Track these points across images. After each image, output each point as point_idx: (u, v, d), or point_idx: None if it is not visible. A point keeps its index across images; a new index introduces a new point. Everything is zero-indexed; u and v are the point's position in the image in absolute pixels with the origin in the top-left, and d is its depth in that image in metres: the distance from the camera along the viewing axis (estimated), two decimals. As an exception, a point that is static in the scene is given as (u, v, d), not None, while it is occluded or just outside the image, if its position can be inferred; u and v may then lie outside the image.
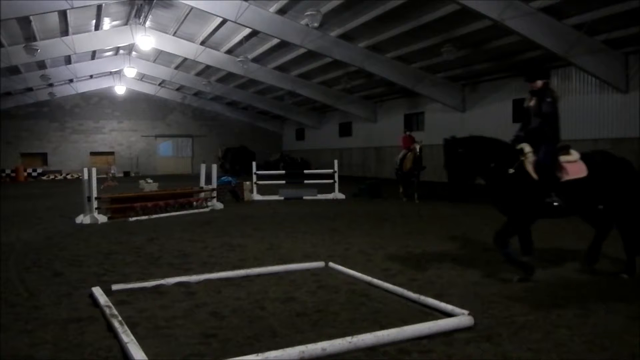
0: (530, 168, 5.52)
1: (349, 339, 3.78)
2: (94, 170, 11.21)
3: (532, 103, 5.88)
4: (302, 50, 20.71)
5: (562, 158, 5.61)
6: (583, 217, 6.17)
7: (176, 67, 29.34)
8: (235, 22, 17.89)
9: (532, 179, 5.49)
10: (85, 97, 36.05)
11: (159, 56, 27.68)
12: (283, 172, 19.35)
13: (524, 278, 5.60)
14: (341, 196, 16.24)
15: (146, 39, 21.66)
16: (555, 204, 5.43)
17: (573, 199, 5.55)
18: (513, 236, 5.78)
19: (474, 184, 5.78)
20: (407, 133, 16.30)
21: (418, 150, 14.59)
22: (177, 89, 36.04)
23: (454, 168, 5.63)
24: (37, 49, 19.84)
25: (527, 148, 5.65)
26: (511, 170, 5.53)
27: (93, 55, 27.58)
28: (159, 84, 35.56)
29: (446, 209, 12.83)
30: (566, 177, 5.51)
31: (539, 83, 5.80)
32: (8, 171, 32.28)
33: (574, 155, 5.71)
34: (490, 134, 20.40)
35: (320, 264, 6.48)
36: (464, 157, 5.57)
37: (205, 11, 17.83)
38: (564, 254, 7.19)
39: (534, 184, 5.48)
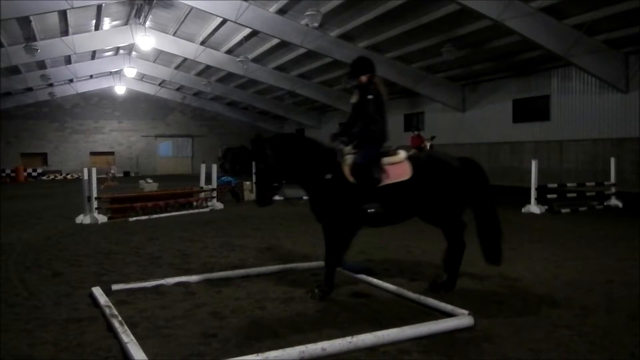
0: (347, 171, 4.92)
1: (349, 339, 3.77)
2: (94, 170, 11.20)
3: (355, 100, 5.33)
4: (302, 50, 20.71)
5: (386, 160, 5.03)
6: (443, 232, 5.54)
7: (176, 67, 29.34)
8: (235, 22, 17.89)
9: (349, 184, 4.88)
10: (85, 97, 36.05)
11: (159, 56, 27.69)
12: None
13: (322, 293, 5.01)
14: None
15: (146, 39, 21.66)
16: (370, 210, 4.90)
17: (394, 204, 5.01)
18: (344, 249, 5.25)
19: (281, 188, 5.06)
20: (416, 133, 15.85)
21: (429, 148, 14.13)
22: (177, 89, 36.04)
23: (261, 170, 4.88)
24: (37, 49, 19.84)
25: (346, 149, 5.06)
26: (328, 176, 4.90)
27: (93, 55, 27.58)
28: (159, 84, 35.56)
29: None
30: (387, 181, 4.92)
31: (363, 78, 5.23)
32: (8, 171, 32.27)
33: (400, 155, 5.12)
34: (490, 134, 20.49)
35: (320, 263, 6.46)
36: (272, 158, 4.82)
37: (205, 11, 17.84)
38: (564, 254, 7.20)
39: (350, 189, 4.87)
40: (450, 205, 5.24)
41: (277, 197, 5.31)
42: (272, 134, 5.13)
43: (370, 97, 5.10)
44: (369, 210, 4.89)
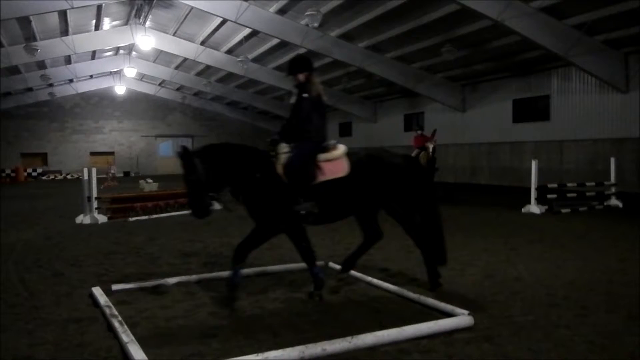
0: (280, 170, 4.83)
1: (349, 339, 3.78)
2: (94, 170, 11.21)
3: (294, 99, 5.28)
4: (302, 50, 20.70)
5: (322, 156, 4.92)
6: (358, 222, 5.47)
7: (176, 67, 29.33)
8: (235, 22, 17.88)
9: (281, 183, 4.81)
10: (85, 97, 36.04)
11: (159, 56, 27.68)
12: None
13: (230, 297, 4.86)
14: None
15: (146, 39, 21.65)
16: (302, 210, 4.77)
17: (329, 202, 4.89)
18: (257, 246, 5.10)
19: (217, 197, 4.97)
20: (419, 132, 15.50)
21: (431, 149, 13.93)
22: (177, 89, 36.02)
23: (192, 182, 4.72)
24: (37, 49, 19.82)
25: (281, 148, 4.96)
26: (258, 174, 4.84)
27: (93, 55, 27.57)
28: (159, 84, 35.55)
29: (449, 209, 12.83)
30: (322, 178, 4.83)
31: (301, 76, 5.09)
32: (8, 171, 32.26)
33: (337, 152, 5.00)
34: (490, 134, 20.48)
35: (320, 263, 6.47)
36: (201, 169, 4.71)
37: (205, 11, 17.83)
38: (564, 254, 7.20)
39: (284, 187, 4.79)
40: (391, 202, 5.19)
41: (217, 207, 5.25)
42: (202, 146, 5.03)
43: (305, 95, 5.01)
44: (301, 211, 4.78)
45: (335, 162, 4.92)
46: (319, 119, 5.01)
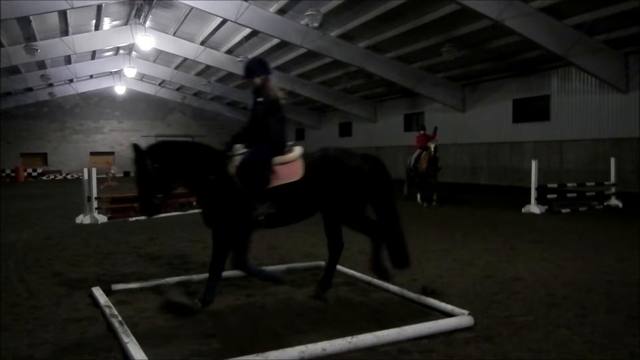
0: (234, 173, 4.69)
1: (349, 339, 3.77)
2: (94, 170, 11.21)
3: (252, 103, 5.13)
4: (302, 50, 20.71)
5: (277, 159, 4.79)
6: (325, 229, 5.30)
7: (176, 67, 29.35)
8: (235, 22, 17.89)
9: (236, 186, 4.66)
10: (85, 97, 36.05)
11: (159, 56, 27.69)
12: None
13: (202, 303, 4.73)
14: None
15: (146, 39, 21.66)
16: (257, 214, 4.66)
17: (284, 205, 4.76)
18: (245, 251, 4.98)
19: (168, 196, 4.94)
20: (422, 132, 15.15)
21: (433, 149, 13.69)
22: (177, 89, 36.04)
23: (142, 180, 4.64)
24: (37, 49, 19.84)
25: (236, 151, 4.84)
26: (212, 177, 4.69)
27: (93, 55, 27.58)
28: (159, 84, 35.56)
29: (449, 209, 12.84)
30: (276, 182, 4.71)
31: (257, 80, 4.96)
32: (8, 171, 32.28)
33: (292, 154, 4.88)
34: (490, 134, 20.44)
35: (320, 263, 6.48)
36: (152, 168, 4.60)
37: (205, 11, 17.84)
38: (564, 254, 7.20)
39: (238, 191, 4.65)
40: (346, 205, 4.93)
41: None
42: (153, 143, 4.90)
43: (260, 99, 4.89)
44: (255, 214, 4.66)
45: (289, 165, 4.80)
46: (276, 123, 4.88)
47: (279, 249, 7.87)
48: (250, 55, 22.46)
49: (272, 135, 4.83)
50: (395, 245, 5.11)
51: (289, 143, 5.03)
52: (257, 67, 5.06)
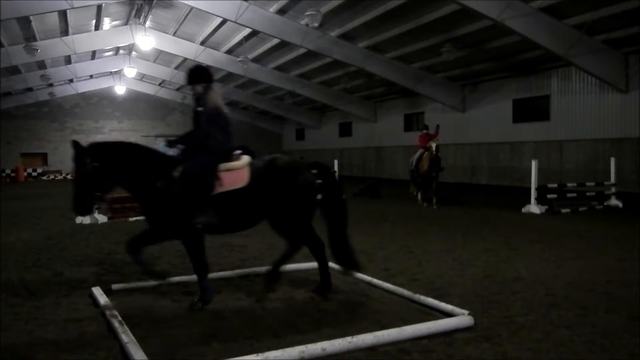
0: (177, 179, 4.67)
1: (349, 339, 3.78)
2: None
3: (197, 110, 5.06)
4: (302, 50, 20.71)
5: (223, 166, 4.76)
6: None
7: (176, 67, 29.33)
8: (235, 22, 17.88)
9: (180, 193, 4.63)
10: (85, 97, 36.04)
11: (159, 56, 27.68)
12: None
13: (202, 303, 4.81)
14: (341, 196, 16.20)
15: (146, 39, 21.65)
16: (198, 222, 4.63)
17: (228, 213, 4.74)
18: (149, 244, 4.98)
19: (104, 198, 4.90)
20: (424, 131, 14.89)
21: (434, 149, 13.44)
22: (177, 89, 36.01)
23: (79, 178, 4.57)
24: (37, 49, 19.84)
25: (180, 158, 4.82)
26: (159, 184, 4.63)
27: (93, 55, 27.57)
28: (159, 84, 35.54)
29: (450, 209, 12.83)
30: (220, 189, 4.68)
31: (199, 88, 4.92)
32: (8, 171, 32.26)
33: (239, 162, 4.86)
34: (490, 134, 20.41)
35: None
36: (91, 166, 4.54)
37: (205, 11, 17.83)
38: (564, 254, 7.20)
39: (181, 198, 4.63)
40: (291, 213, 4.95)
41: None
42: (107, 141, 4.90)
43: (200, 109, 4.87)
44: (197, 222, 4.63)
45: (235, 173, 4.77)
46: (219, 132, 4.80)
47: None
48: (251, 56, 22.51)
49: (215, 145, 4.76)
50: (343, 249, 5.18)
51: (237, 152, 4.99)
52: (199, 75, 4.99)
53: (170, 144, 4.99)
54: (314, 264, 6.45)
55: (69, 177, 33.97)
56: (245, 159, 4.93)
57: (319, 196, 5.08)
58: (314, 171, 5.16)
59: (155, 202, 4.69)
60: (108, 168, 4.62)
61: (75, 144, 4.60)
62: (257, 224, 5.10)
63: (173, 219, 4.71)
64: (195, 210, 4.64)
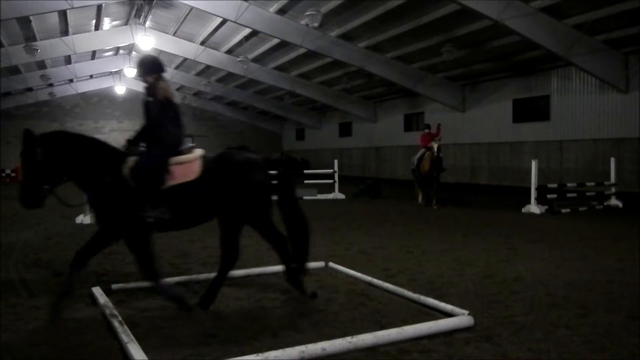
0: (127, 174, 4.57)
1: (349, 339, 3.78)
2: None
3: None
4: (302, 50, 20.70)
5: (175, 160, 4.67)
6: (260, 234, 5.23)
7: (176, 67, 29.33)
8: (235, 22, 17.88)
9: (130, 187, 4.53)
10: (85, 97, 36.04)
11: (159, 56, 27.53)
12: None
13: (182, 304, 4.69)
14: (341, 196, 16.24)
15: (146, 39, 21.64)
16: (149, 216, 4.51)
17: (180, 207, 4.64)
18: (98, 252, 4.89)
19: (52, 190, 4.69)
20: (426, 131, 14.76)
21: (436, 149, 13.34)
22: (177, 89, 36.01)
23: (27, 169, 4.49)
24: (37, 49, 19.83)
25: (131, 151, 4.74)
26: (107, 178, 4.55)
27: (93, 55, 27.56)
28: (159, 84, 35.53)
29: (450, 209, 12.82)
30: (171, 182, 4.58)
31: (149, 79, 4.88)
32: (8, 171, 32.26)
33: (191, 155, 4.77)
34: (490, 134, 20.41)
35: (320, 264, 6.48)
36: (41, 157, 4.42)
37: (205, 11, 17.83)
38: (564, 254, 7.20)
39: (131, 192, 4.52)
40: (237, 210, 4.79)
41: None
42: (46, 132, 4.62)
43: (150, 99, 4.81)
44: (148, 216, 4.51)
45: (186, 166, 4.66)
46: (169, 123, 4.72)
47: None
48: (251, 56, 22.51)
49: (165, 135, 4.69)
50: (300, 247, 5.01)
51: (190, 144, 4.93)
52: (149, 65, 4.94)
53: (131, 143, 4.83)
54: (314, 264, 6.47)
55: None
56: (198, 151, 4.84)
57: (274, 197, 4.94)
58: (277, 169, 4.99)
59: (103, 196, 4.57)
60: (57, 159, 4.50)
61: (27, 133, 4.46)
62: (210, 220, 4.94)
63: (121, 213, 4.58)
64: (146, 204, 4.51)
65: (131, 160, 4.63)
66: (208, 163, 4.76)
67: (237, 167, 4.79)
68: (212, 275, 5.03)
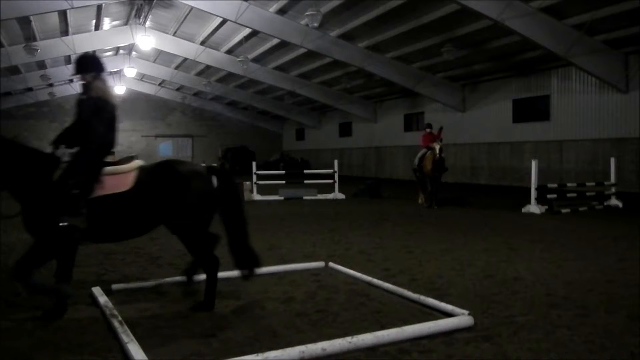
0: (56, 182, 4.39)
1: (349, 339, 3.77)
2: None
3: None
4: (302, 50, 20.73)
5: (109, 169, 4.51)
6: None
7: (176, 67, 29.36)
8: (235, 22, 17.90)
9: (55, 194, 4.32)
10: (86, 97, 36.09)
11: (159, 56, 27.69)
12: (283, 172, 19.31)
13: (49, 315, 4.46)
14: (341, 196, 16.24)
15: (146, 39, 21.67)
16: (63, 224, 4.28)
17: (107, 219, 4.46)
18: (41, 265, 4.68)
19: None
20: (428, 130, 14.56)
21: (438, 150, 13.22)
22: (177, 89, 36.06)
23: None
24: (37, 49, 19.86)
25: (62, 155, 4.55)
26: (33, 184, 4.36)
27: (93, 55, 27.60)
28: (159, 84, 35.58)
29: (450, 209, 12.82)
30: (100, 192, 4.39)
31: (87, 77, 4.68)
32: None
33: (127, 165, 4.58)
34: (490, 134, 20.37)
35: (320, 264, 6.48)
36: None
37: (205, 11, 17.85)
38: (564, 254, 7.20)
39: (56, 199, 4.31)
40: (180, 222, 4.66)
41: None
42: None
43: (83, 97, 4.64)
44: (62, 221, 4.28)
45: (119, 177, 4.48)
46: (100, 123, 4.52)
47: (279, 248, 7.87)
48: (251, 56, 22.52)
49: (92, 135, 4.50)
50: (241, 249, 5.02)
51: (132, 154, 4.82)
52: (86, 64, 4.80)
53: (53, 144, 4.64)
54: (314, 264, 6.48)
55: None
56: (135, 162, 4.65)
57: (217, 208, 4.81)
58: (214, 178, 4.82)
59: (29, 203, 4.38)
60: None
61: None
62: (148, 232, 4.83)
63: (43, 222, 4.37)
64: (65, 210, 4.28)
65: (63, 165, 4.47)
66: (145, 174, 4.59)
67: (175, 177, 4.62)
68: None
